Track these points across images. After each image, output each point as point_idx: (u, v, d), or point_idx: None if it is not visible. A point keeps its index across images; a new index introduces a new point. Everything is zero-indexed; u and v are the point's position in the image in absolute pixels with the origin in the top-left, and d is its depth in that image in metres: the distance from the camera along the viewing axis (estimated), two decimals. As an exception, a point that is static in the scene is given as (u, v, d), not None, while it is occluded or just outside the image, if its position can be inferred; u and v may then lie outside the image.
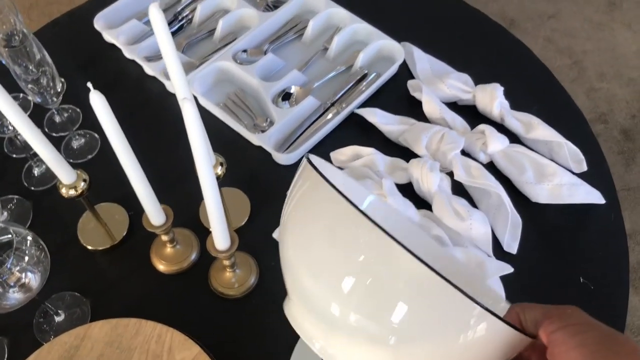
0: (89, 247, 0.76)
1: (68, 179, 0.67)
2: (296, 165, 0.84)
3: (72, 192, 0.67)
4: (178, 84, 0.56)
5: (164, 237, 0.72)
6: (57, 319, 0.71)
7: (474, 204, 0.79)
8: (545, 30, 1.94)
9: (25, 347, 0.66)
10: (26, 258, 0.60)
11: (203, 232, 0.75)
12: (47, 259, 0.61)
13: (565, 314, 0.40)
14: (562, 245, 0.77)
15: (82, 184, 0.68)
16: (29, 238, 0.60)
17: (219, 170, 0.68)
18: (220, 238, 0.64)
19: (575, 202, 0.78)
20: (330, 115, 0.87)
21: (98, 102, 0.50)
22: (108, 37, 0.97)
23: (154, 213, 0.67)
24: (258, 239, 0.77)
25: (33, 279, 0.60)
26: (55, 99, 0.78)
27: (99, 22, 0.97)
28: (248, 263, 0.74)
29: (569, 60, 1.86)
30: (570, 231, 0.78)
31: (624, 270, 0.76)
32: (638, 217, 1.55)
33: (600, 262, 0.76)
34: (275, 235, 0.76)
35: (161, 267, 0.74)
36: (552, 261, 0.76)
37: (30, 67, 0.74)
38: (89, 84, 0.49)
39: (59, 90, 0.78)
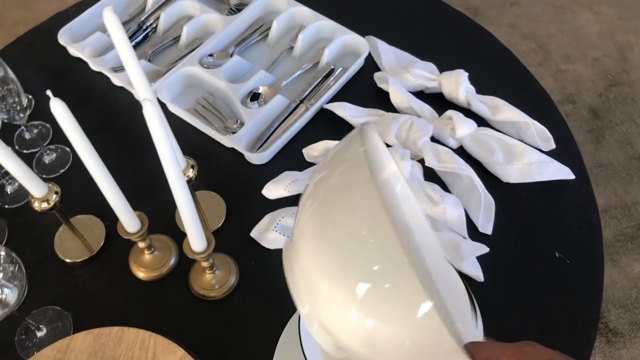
0: (67, 260, 0.76)
1: (40, 192, 0.67)
2: (269, 164, 0.84)
3: (44, 205, 0.67)
4: (139, 86, 0.56)
5: (141, 244, 0.72)
6: (39, 334, 0.70)
7: (446, 189, 0.80)
8: (508, 17, 1.97)
9: (8, 364, 0.66)
10: (0, 274, 0.60)
11: (181, 237, 0.74)
12: (23, 274, 0.61)
13: (522, 352, 0.37)
14: (536, 223, 0.79)
15: (54, 196, 0.67)
16: (2, 253, 0.60)
17: (191, 173, 0.68)
18: (196, 239, 0.64)
19: (545, 180, 0.79)
20: (300, 112, 0.87)
21: (59, 109, 0.50)
22: (73, 50, 0.96)
23: (128, 220, 0.67)
24: (236, 239, 0.77)
25: (9, 294, 0.60)
26: (22, 115, 0.78)
27: (63, 37, 0.97)
28: (227, 264, 0.74)
29: (534, 45, 1.89)
30: (543, 209, 0.80)
31: (598, 243, 0.77)
32: (611, 192, 1.58)
33: (574, 236, 0.77)
34: (253, 234, 0.77)
35: (141, 274, 0.74)
36: (527, 239, 0.77)
37: (-6, 85, 0.74)
38: (49, 92, 0.49)
39: (25, 105, 0.77)
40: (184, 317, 0.72)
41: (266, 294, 0.73)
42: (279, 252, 0.76)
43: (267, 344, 0.64)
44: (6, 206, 0.82)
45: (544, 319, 0.71)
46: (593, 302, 0.73)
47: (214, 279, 0.72)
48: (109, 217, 0.78)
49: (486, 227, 0.77)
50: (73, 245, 0.77)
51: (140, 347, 0.66)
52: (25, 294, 0.73)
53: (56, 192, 0.68)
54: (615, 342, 1.37)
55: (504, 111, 0.84)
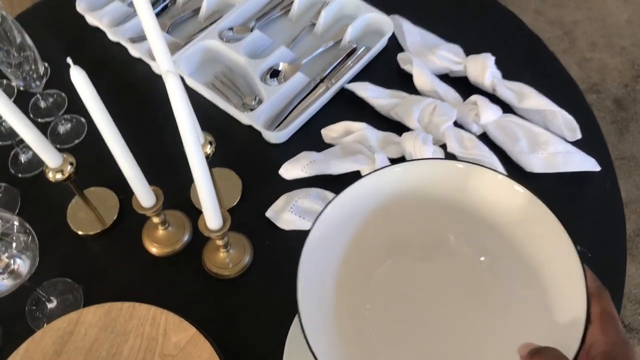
0: (80, 233, 0.75)
1: (54, 162, 0.65)
2: (287, 143, 0.83)
3: (59, 176, 0.66)
4: (161, 58, 0.55)
5: (155, 219, 0.71)
6: (50, 305, 0.70)
7: (468, 176, 0.78)
8: (535, 3, 1.92)
9: (18, 335, 0.65)
10: (14, 244, 0.59)
11: (195, 214, 0.74)
12: (36, 244, 0.60)
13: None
14: (558, 215, 0.76)
15: (69, 167, 0.66)
16: (16, 223, 0.59)
17: (208, 149, 0.66)
18: (212, 217, 0.63)
19: (570, 171, 0.77)
20: (320, 92, 0.85)
21: (79, 77, 0.48)
22: (91, 19, 0.95)
23: (144, 195, 0.65)
24: (251, 218, 0.76)
25: (22, 265, 0.59)
26: (38, 83, 0.77)
27: (82, 5, 0.95)
28: (242, 243, 0.73)
29: (559, 32, 1.84)
30: (566, 200, 0.77)
31: (621, 238, 0.75)
32: (633, 186, 1.55)
33: (597, 230, 0.75)
34: (268, 214, 0.75)
35: (154, 249, 0.73)
36: (549, 230, 0.75)
37: (12, 51, 0.72)
38: (69, 59, 0.48)
39: (42, 73, 0.76)
40: (196, 295, 0.71)
41: (280, 275, 0.72)
42: (294, 233, 0.75)
43: (280, 325, 0.63)
44: (19, 175, 0.81)
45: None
46: (614, 298, 0.71)
47: (227, 258, 0.71)
48: (123, 191, 0.77)
49: (507, 216, 0.75)
50: (86, 217, 0.76)
51: (152, 323, 0.65)
52: (37, 264, 0.72)
53: (71, 163, 0.66)
54: (631, 338, 1.35)
55: (531, 98, 0.81)
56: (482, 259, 0.41)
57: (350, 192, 0.45)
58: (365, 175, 0.45)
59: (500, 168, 0.74)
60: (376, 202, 0.45)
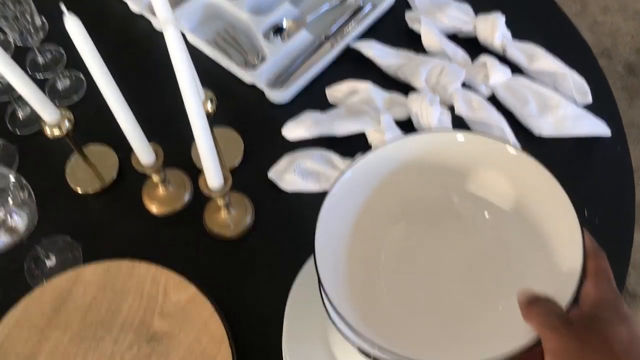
0: (79, 191, 0.74)
1: (52, 118, 0.64)
2: (290, 103, 0.81)
3: (56, 132, 0.64)
4: (161, 11, 0.52)
5: (155, 178, 0.70)
6: (49, 263, 0.69)
7: (475, 139, 0.76)
8: (546, -36, 1.86)
9: (16, 292, 0.64)
10: (10, 200, 0.58)
11: (196, 173, 0.72)
12: (33, 200, 0.59)
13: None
14: (566, 179, 0.74)
15: (67, 123, 0.65)
16: (12, 179, 0.58)
17: (209, 106, 0.65)
18: (213, 176, 0.62)
19: (579, 135, 0.75)
20: (324, 50, 0.83)
21: (74, 26, 0.46)
22: (89, -27, 0.92)
23: (143, 152, 0.64)
24: (253, 179, 0.75)
25: (19, 221, 0.58)
26: (35, 37, 0.74)
27: (80, -43, 0.92)
28: (243, 203, 0.72)
29: (571, -6, 1.80)
30: (575, 165, 0.76)
31: (630, 204, 0.74)
32: (640, 153, 1.53)
33: (605, 196, 0.74)
34: (270, 175, 0.74)
35: (154, 209, 0.72)
36: (556, 195, 0.73)
37: (7, 3, 0.70)
38: (62, 6, 0.45)
39: (39, 26, 0.74)
40: (197, 255, 0.70)
41: (281, 237, 0.71)
42: (296, 194, 0.74)
43: (282, 286, 0.62)
44: (17, 132, 0.79)
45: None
46: (620, 265, 0.70)
47: (229, 218, 0.70)
48: (123, 149, 0.75)
49: (514, 180, 0.73)
50: (85, 175, 0.75)
51: (152, 282, 0.64)
52: (36, 222, 0.71)
53: (69, 119, 0.65)
54: (634, 306, 1.35)
55: (542, 60, 0.79)
56: (486, 216, 0.43)
57: (377, 154, 0.46)
58: (395, 141, 0.46)
59: (509, 131, 0.73)
60: (391, 168, 0.46)
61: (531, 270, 0.41)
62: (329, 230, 0.46)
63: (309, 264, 0.62)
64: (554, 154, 0.76)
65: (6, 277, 0.69)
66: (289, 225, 0.72)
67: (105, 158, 0.76)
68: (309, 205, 0.73)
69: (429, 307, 0.46)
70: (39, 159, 0.77)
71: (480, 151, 0.44)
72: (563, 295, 0.36)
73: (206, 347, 0.61)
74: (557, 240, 0.40)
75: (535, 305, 0.36)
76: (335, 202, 0.46)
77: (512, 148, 0.43)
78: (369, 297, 0.48)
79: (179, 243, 0.71)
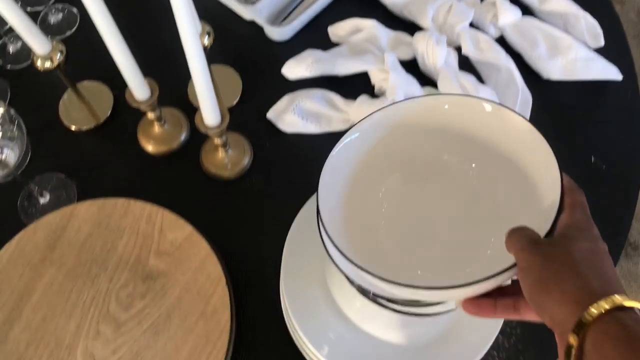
0: (72, 128, 0.72)
1: (43, 49, 0.61)
2: (291, 41, 0.78)
3: (48, 64, 0.62)
4: None
5: (151, 115, 0.67)
6: (42, 200, 0.68)
7: (481, 81, 0.74)
8: None
9: (9, 229, 0.63)
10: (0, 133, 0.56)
11: (193, 113, 0.69)
12: (23, 133, 0.57)
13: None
14: (574, 125, 0.73)
15: (59, 55, 0.62)
16: (1, 110, 0.56)
17: (206, 40, 0.62)
18: (210, 112, 0.60)
19: (590, 79, 0.73)
20: (328, -13, 0.79)
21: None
22: None
23: (138, 87, 0.62)
24: (251, 119, 0.73)
25: (10, 155, 0.57)
26: (25, -34, 0.71)
27: None
28: (241, 144, 0.70)
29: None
30: (583, 109, 0.74)
31: (638, 151, 0.72)
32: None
33: (613, 142, 0.72)
34: (269, 115, 0.72)
35: (149, 147, 0.70)
36: (563, 141, 0.72)
37: None
38: None
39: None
40: (194, 195, 0.68)
41: (280, 178, 0.69)
42: (295, 135, 0.72)
43: (279, 228, 0.61)
44: (8, 66, 0.77)
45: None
46: (624, 213, 0.69)
47: (226, 158, 0.68)
48: (118, 85, 0.74)
49: (520, 125, 0.71)
50: (79, 112, 0.73)
51: (147, 220, 0.63)
52: (28, 158, 0.70)
53: (60, 51, 0.63)
54: (634, 257, 1.35)
55: (553, 1, 0.76)
56: (473, 166, 0.47)
57: (388, 110, 0.48)
58: (402, 100, 0.48)
59: (517, 73, 0.70)
60: (392, 125, 0.49)
61: (517, 211, 0.44)
62: (333, 175, 0.47)
63: (308, 205, 0.60)
64: (563, 97, 0.74)
65: (-1, 214, 0.68)
66: (288, 166, 0.70)
67: (99, 95, 0.74)
68: (309, 146, 0.71)
69: (424, 249, 0.48)
70: (31, 95, 0.75)
71: (462, 111, 0.47)
72: (544, 226, 0.38)
73: (202, 287, 0.60)
74: (539, 182, 0.43)
75: (514, 234, 0.37)
76: (342, 150, 0.48)
77: (489, 105, 0.46)
78: (367, 239, 0.48)
79: (175, 183, 0.69)
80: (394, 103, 0.48)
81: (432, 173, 0.49)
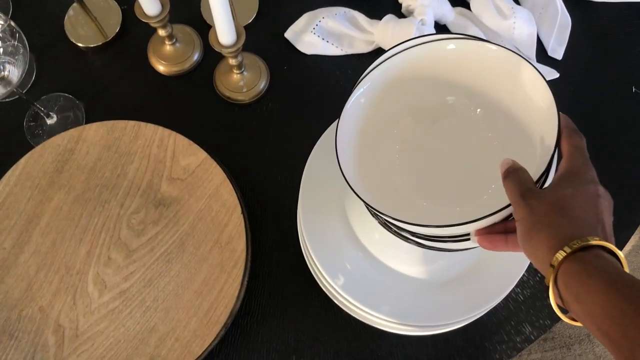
0: (80, 45, 0.68)
1: (43, -43, 0.57)
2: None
3: (49, -26, 0.57)
4: None
5: (161, 32, 0.63)
6: (49, 121, 0.65)
7: (517, 2, 0.68)
8: None
9: (16, 149, 0.61)
10: (0, 49, 0.52)
11: (206, 31, 0.65)
12: (26, 48, 0.53)
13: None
14: (615, 51, 0.68)
15: (61, -37, 0.57)
16: (1, 23, 0.52)
17: (221, -51, 0.57)
18: (225, 30, 0.55)
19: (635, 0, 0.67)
20: None
21: None
22: None
23: (148, 0, 0.57)
24: (268, 39, 0.68)
25: (12, 72, 0.53)
26: None
27: None
28: (257, 65, 0.66)
29: None
30: (626, 35, 0.68)
31: (681, 81, 0.67)
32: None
33: (655, 71, 0.67)
34: (288, 35, 0.67)
35: (160, 67, 0.66)
36: (602, 68, 0.67)
37: None
38: None
39: None
40: (207, 119, 0.65)
41: (298, 102, 0.66)
42: (315, 57, 0.67)
43: (296, 155, 0.58)
44: (10, -23, 0.72)
45: (608, 159, 0.63)
46: (664, 146, 0.65)
47: (241, 81, 0.65)
48: (126, 0, 0.69)
49: (557, 50, 0.66)
50: (86, 28, 0.68)
51: (159, 145, 0.60)
52: (33, 77, 0.66)
53: (63, -41, 0.58)
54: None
55: None
56: (478, 112, 0.47)
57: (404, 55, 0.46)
58: (409, 47, 0.45)
59: (557, -7, 0.65)
60: (401, 72, 0.47)
61: (518, 152, 0.43)
62: (348, 128, 0.46)
63: (328, 132, 0.57)
64: (604, 21, 0.69)
65: (5, 135, 0.65)
66: (307, 90, 0.66)
67: (107, 10, 0.69)
68: (329, 69, 0.67)
69: (433, 184, 0.48)
70: (34, 9, 0.70)
71: (467, 54, 0.45)
72: (540, 169, 0.39)
73: (217, 215, 0.57)
74: (539, 126, 0.42)
75: (510, 176, 0.38)
76: (356, 102, 0.46)
77: (493, 45, 0.43)
78: (381, 176, 0.48)
79: (188, 105, 0.66)
80: (403, 50, 0.45)
81: (440, 116, 0.49)
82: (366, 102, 0.46)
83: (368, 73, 0.46)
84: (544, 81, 0.40)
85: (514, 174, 0.38)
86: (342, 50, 0.66)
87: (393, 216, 0.41)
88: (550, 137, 0.39)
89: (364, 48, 0.66)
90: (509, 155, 0.41)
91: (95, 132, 0.60)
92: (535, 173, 0.39)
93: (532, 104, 0.41)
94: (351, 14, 0.67)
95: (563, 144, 0.39)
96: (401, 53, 0.44)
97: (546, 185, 0.41)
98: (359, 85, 0.45)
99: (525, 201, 0.36)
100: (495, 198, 0.43)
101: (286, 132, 0.64)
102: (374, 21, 0.66)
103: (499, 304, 0.56)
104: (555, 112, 0.39)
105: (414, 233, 0.45)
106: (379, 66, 0.45)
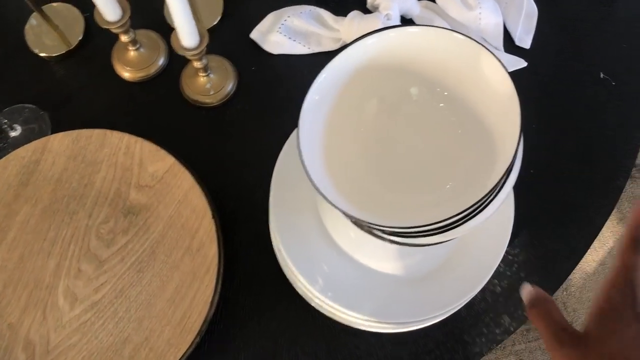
0: (42, 55, 0.66)
1: (-3, -35, 0.55)
2: (276, -47, 0.71)
3: (4, -17, 0.56)
4: None
5: (124, 38, 0.62)
6: (13, 134, 0.63)
7: (483, -7, 0.68)
8: None
9: (-21, 164, 0.59)
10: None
11: (170, 35, 0.65)
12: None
13: None
14: (582, 38, 0.68)
15: (16, -29, 0.56)
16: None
17: (179, -50, 0.56)
18: (187, 32, 0.55)
19: (601, -13, 0.67)
20: None
21: None
22: None
23: (107, 6, 0.56)
24: (234, 40, 0.67)
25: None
26: None
27: None
28: (224, 67, 0.65)
29: None
30: (593, 21, 0.68)
31: (649, 65, 0.67)
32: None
33: (624, 56, 0.67)
34: (253, 35, 0.66)
35: (126, 74, 0.65)
36: (570, 56, 0.67)
37: None
38: None
39: None
40: (175, 124, 0.64)
41: (267, 103, 0.65)
42: (282, 57, 0.67)
43: (266, 156, 0.57)
44: (-32, -11, 0.70)
45: (578, 145, 0.63)
46: (634, 131, 0.65)
47: (208, 83, 0.64)
48: (89, 7, 0.67)
49: (525, 39, 0.66)
50: (47, 37, 0.67)
51: (125, 152, 0.59)
52: (-5, 89, 0.65)
53: (18, -33, 0.56)
54: (638, 179, 1.32)
55: None
56: (441, 100, 0.46)
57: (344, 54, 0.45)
58: (367, 36, 0.44)
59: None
60: (362, 62, 0.45)
61: (483, 145, 0.42)
62: (310, 122, 0.45)
63: (297, 130, 0.56)
64: (570, 8, 0.69)
65: (-32, 149, 0.63)
66: (275, 91, 0.65)
67: (69, 18, 0.68)
68: (297, 68, 0.66)
69: (396, 176, 0.47)
70: (-6, 20, 0.69)
71: (428, 43, 0.44)
72: (492, 178, 0.38)
73: (187, 220, 0.56)
74: (502, 116, 0.41)
75: (536, 310, 0.36)
76: (315, 92, 0.45)
77: (454, 33, 0.42)
78: (346, 173, 0.47)
79: (155, 111, 0.65)
80: (361, 38, 0.44)
81: (403, 105, 0.48)
82: (322, 98, 0.45)
83: (324, 69, 0.45)
84: (504, 70, 0.40)
85: (541, 307, 0.36)
86: (309, 48, 0.66)
87: (361, 218, 0.40)
88: (513, 127, 0.38)
89: (331, 45, 0.65)
90: (472, 146, 0.41)
91: (61, 143, 0.59)
92: (500, 166, 0.38)
93: (494, 93, 0.41)
94: (317, 11, 0.66)
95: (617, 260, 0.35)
96: (356, 44, 0.43)
97: (511, 177, 0.40)
98: (313, 83, 0.44)
99: (562, 349, 0.34)
100: (460, 186, 0.43)
101: (256, 133, 0.63)
102: (340, 18, 0.65)
103: (476, 296, 0.56)
104: (516, 102, 0.38)
105: (384, 230, 0.44)
106: (333, 60, 0.44)
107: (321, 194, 0.41)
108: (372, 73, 0.46)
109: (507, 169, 0.38)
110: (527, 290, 0.38)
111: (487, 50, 0.41)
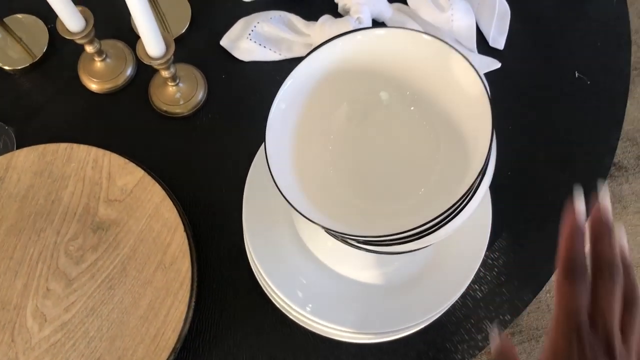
0: (6, 68, 0.64)
1: (-47, -23, 0.54)
2: (244, -41, 0.70)
3: (-39, -5, 0.54)
4: None
5: (89, 49, 0.60)
6: (-23, 150, 0.61)
7: (455, -6, 0.67)
8: None
9: (-59, 183, 0.57)
10: None
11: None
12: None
13: None
14: (557, 37, 0.67)
15: (-27, -17, 0.54)
16: None
17: (142, -42, 0.54)
18: (152, 41, 0.53)
19: (572, -14, 0.67)
20: None
21: None
22: None
23: (69, 16, 0.55)
24: (204, 48, 0.66)
25: None
26: None
27: None
28: (193, 76, 0.63)
29: None
30: (567, 21, 0.68)
31: (625, 64, 0.67)
32: (635, 14, 1.44)
33: (599, 55, 0.67)
34: (223, 42, 0.65)
35: (93, 85, 0.63)
36: (544, 55, 0.66)
37: None
38: None
39: None
40: (144, 135, 0.62)
41: (239, 111, 0.63)
42: (253, 64, 0.65)
43: (239, 166, 0.55)
44: None
45: (556, 145, 0.63)
46: (612, 129, 0.64)
47: (177, 93, 0.62)
48: (53, 19, 0.66)
49: (498, 40, 0.65)
50: (10, 49, 0.65)
51: (93, 166, 0.57)
52: (-43, 104, 0.63)
53: (-25, -21, 0.55)
54: (618, 177, 1.32)
55: None
56: (412, 108, 0.45)
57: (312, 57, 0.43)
58: (334, 39, 0.43)
59: (493, -18, 0.64)
60: (329, 66, 0.44)
61: (454, 150, 0.42)
62: (279, 128, 0.44)
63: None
64: (542, 9, 0.68)
65: None
66: (247, 99, 0.64)
67: (32, 29, 0.66)
68: (269, 75, 0.65)
69: (367, 183, 0.46)
70: (-44, 33, 0.67)
71: (397, 45, 0.43)
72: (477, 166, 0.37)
73: (159, 235, 0.55)
74: (474, 118, 0.40)
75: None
76: (282, 99, 0.44)
77: (427, 36, 0.41)
78: (318, 182, 0.46)
79: (124, 123, 0.63)
80: (329, 40, 0.42)
81: (373, 110, 0.47)
82: (290, 106, 0.43)
83: (289, 75, 0.44)
84: (474, 70, 0.39)
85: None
86: (280, 54, 0.65)
87: (333, 228, 0.39)
88: (485, 128, 0.37)
89: (302, 51, 0.64)
90: (445, 149, 0.40)
91: (26, 158, 0.57)
92: (473, 169, 0.37)
93: (465, 94, 0.40)
94: (287, 17, 0.65)
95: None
96: (322, 48, 0.42)
97: (485, 180, 0.40)
98: (279, 91, 0.43)
99: None
100: (434, 191, 0.42)
101: (228, 143, 0.62)
102: (311, 23, 0.64)
103: (457, 302, 0.55)
104: (487, 102, 0.38)
105: (357, 239, 0.43)
106: (299, 66, 0.43)
107: (291, 204, 0.40)
108: (340, 78, 0.45)
109: (480, 171, 0.37)
110: (494, 340, 0.36)
111: (456, 51, 0.40)
